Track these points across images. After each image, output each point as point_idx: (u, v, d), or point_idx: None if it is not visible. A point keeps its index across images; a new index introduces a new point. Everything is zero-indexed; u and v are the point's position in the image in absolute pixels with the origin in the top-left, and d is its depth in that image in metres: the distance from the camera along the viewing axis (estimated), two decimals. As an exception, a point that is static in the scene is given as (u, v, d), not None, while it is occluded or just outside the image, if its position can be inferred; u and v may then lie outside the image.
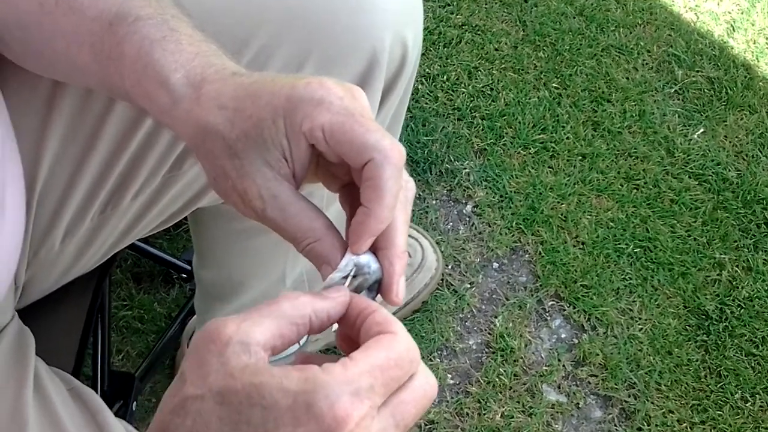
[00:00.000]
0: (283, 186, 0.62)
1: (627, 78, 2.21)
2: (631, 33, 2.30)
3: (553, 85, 2.16)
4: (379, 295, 0.63)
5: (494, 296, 1.85)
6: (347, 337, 0.59)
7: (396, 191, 0.60)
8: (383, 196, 0.59)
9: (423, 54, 2.15)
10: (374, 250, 0.62)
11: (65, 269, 1.01)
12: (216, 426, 0.50)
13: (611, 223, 1.95)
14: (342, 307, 0.58)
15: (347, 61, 0.92)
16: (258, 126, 0.61)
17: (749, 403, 1.78)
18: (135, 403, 1.36)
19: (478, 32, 2.23)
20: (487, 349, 1.79)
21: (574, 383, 1.77)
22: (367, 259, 0.62)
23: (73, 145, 0.90)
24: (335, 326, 0.59)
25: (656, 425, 1.73)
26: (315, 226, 0.62)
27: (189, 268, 1.70)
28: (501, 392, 1.73)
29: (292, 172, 0.63)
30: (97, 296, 1.09)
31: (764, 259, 1.95)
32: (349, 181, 0.66)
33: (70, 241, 0.97)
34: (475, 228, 1.93)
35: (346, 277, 0.61)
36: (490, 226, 1.93)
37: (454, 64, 2.16)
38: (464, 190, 1.97)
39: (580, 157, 2.04)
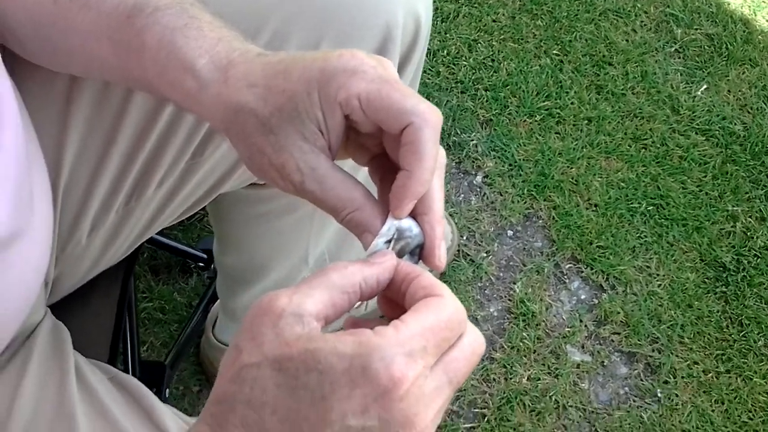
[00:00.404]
0: (320, 158, 0.62)
1: (627, 40, 2.22)
2: (627, -6, 2.31)
3: (554, 52, 2.17)
4: (420, 261, 0.64)
5: (511, 263, 1.87)
6: (390, 301, 0.60)
7: (435, 153, 0.61)
8: (424, 159, 0.60)
9: (422, 30, 2.16)
10: (413, 216, 0.63)
11: (93, 263, 1.01)
12: (273, 392, 0.51)
13: (622, 184, 1.97)
14: (390, 271, 0.59)
15: (362, 39, 0.92)
16: (292, 99, 0.62)
17: (772, 350, 1.80)
18: (167, 390, 1.38)
19: (475, 5, 2.24)
20: (508, 315, 1.80)
21: (597, 342, 1.78)
22: (409, 224, 0.62)
23: (94, 139, 0.90)
24: None
25: (682, 377, 1.75)
26: (354, 195, 0.63)
27: (205, 257, 1.71)
28: (525, 356, 1.75)
29: (327, 144, 0.63)
30: (126, 287, 1.10)
31: (776, 208, 1.97)
32: (379, 152, 0.67)
33: (97, 234, 0.97)
34: (487, 198, 1.94)
35: (389, 242, 0.62)
36: (501, 195, 1.94)
37: (453, 38, 2.16)
38: (473, 162, 1.98)
39: (586, 121, 2.05)
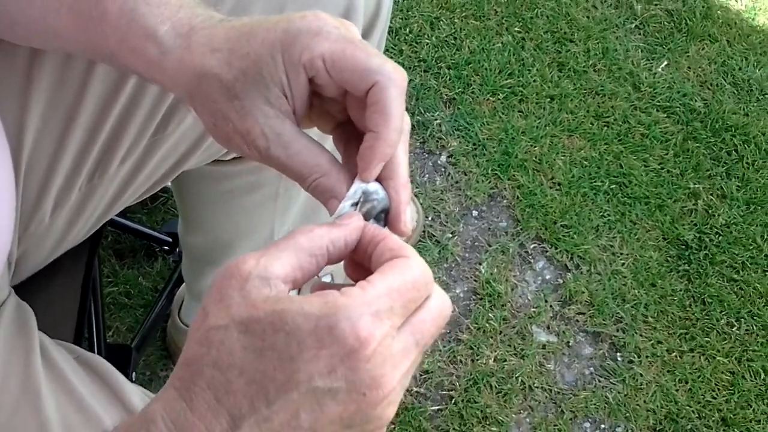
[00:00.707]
0: (285, 123, 0.62)
1: (587, 17, 2.21)
2: (587, -28, 2.31)
3: (516, 29, 2.16)
4: (386, 227, 0.63)
5: (476, 243, 1.86)
6: (357, 264, 0.59)
7: (401, 114, 0.60)
8: (390, 119, 0.59)
9: (383, 8, 2.14)
10: (378, 181, 0.62)
11: (56, 242, 0.99)
12: (240, 354, 0.50)
13: (585, 162, 1.96)
14: (357, 232, 0.58)
15: (324, 8, 0.91)
16: (256, 63, 0.60)
17: (735, 328, 1.81)
18: (134, 373, 1.36)
19: (436, -17, 2.22)
20: (474, 296, 1.79)
21: (562, 322, 1.78)
22: (375, 188, 0.62)
23: (56, 116, 0.88)
24: None
25: (646, 356, 1.75)
26: (320, 161, 0.62)
27: (170, 240, 1.69)
28: (492, 337, 1.74)
29: (292, 109, 0.62)
30: (90, 267, 1.08)
31: (737, 186, 1.98)
32: (343, 119, 0.66)
33: (60, 213, 0.95)
34: (452, 178, 1.93)
35: (355, 205, 0.61)
36: (466, 175, 1.93)
37: (415, 16, 2.15)
38: (437, 141, 1.97)
39: (549, 99, 2.05)
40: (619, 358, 1.75)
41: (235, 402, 0.50)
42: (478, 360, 1.71)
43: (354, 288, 0.52)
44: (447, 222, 1.87)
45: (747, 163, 2.01)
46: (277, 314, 0.50)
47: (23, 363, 0.85)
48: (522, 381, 1.70)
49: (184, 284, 1.56)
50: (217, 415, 0.51)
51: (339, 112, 0.66)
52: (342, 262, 0.60)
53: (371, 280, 0.53)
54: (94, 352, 1.21)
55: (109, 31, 0.66)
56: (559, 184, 1.93)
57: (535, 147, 1.97)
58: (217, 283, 0.53)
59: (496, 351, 1.73)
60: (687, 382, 1.74)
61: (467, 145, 1.96)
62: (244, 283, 0.52)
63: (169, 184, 1.42)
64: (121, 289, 1.71)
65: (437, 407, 1.67)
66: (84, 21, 0.68)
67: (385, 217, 0.63)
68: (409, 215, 0.63)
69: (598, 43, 2.16)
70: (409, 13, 2.15)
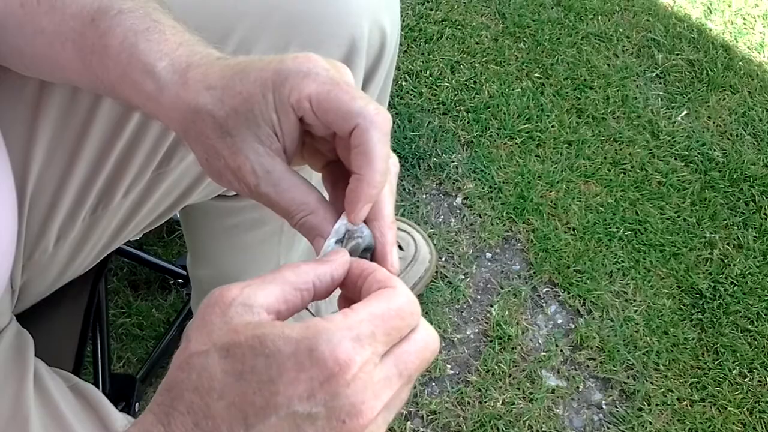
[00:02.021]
0: (275, 161, 0.63)
1: (608, 65, 2.23)
2: (609, 20, 2.32)
3: (536, 75, 2.17)
4: None
5: (489, 286, 1.86)
6: (350, 300, 0.59)
7: (385, 156, 0.61)
8: (373, 161, 0.60)
9: (405, 51, 2.17)
10: (365, 222, 0.63)
11: (60, 271, 1.01)
12: (221, 378, 0.51)
13: (601, 208, 1.97)
14: (343, 268, 0.59)
15: (327, 50, 0.92)
16: (248, 101, 0.62)
17: (747, 379, 1.79)
18: (138, 404, 1.37)
19: (458, 27, 2.25)
20: (484, 338, 1.79)
21: (572, 367, 1.78)
22: (359, 225, 0.63)
23: (62, 147, 0.90)
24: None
25: (656, 404, 1.74)
26: (308, 200, 0.63)
27: (185, 273, 1.71)
28: (501, 380, 1.74)
29: (282, 147, 0.63)
30: (93, 297, 1.09)
31: (754, 236, 1.97)
32: (333, 158, 0.67)
33: (64, 242, 0.97)
34: (466, 219, 1.94)
35: (340, 242, 0.62)
36: (480, 217, 1.94)
37: (436, 60, 2.17)
38: (453, 183, 1.98)
39: (566, 145, 2.05)
40: (628, 406, 1.74)
41: (213, 426, 0.51)
42: (486, 402, 1.71)
43: (336, 314, 0.53)
44: (460, 263, 1.88)
45: (765, 213, 2.01)
46: (258, 338, 0.51)
47: (16, 389, 0.86)
48: (530, 425, 1.70)
49: (194, 317, 1.57)
50: None
51: (329, 151, 0.67)
52: (335, 296, 0.61)
53: (354, 307, 0.53)
54: (98, 380, 1.23)
55: (110, 64, 0.68)
56: (573, 229, 1.93)
57: (551, 191, 1.97)
58: (200, 311, 0.54)
59: (504, 394, 1.72)
60: (697, 432, 1.73)
61: (483, 188, 1.97)
62: (227, 309, 0.52)
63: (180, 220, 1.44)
64: (134, 320, 1.73)
65: (443, 448, 1.67)
66: (87, 54, 0.70)
67: (371, 256, 0.64)
68: (395, 255, 0.64)
69: (617, 90, 2.17)
70: (430, 56, 2.17)
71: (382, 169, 0.61)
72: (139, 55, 0.66)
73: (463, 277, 1.86)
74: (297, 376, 0.50)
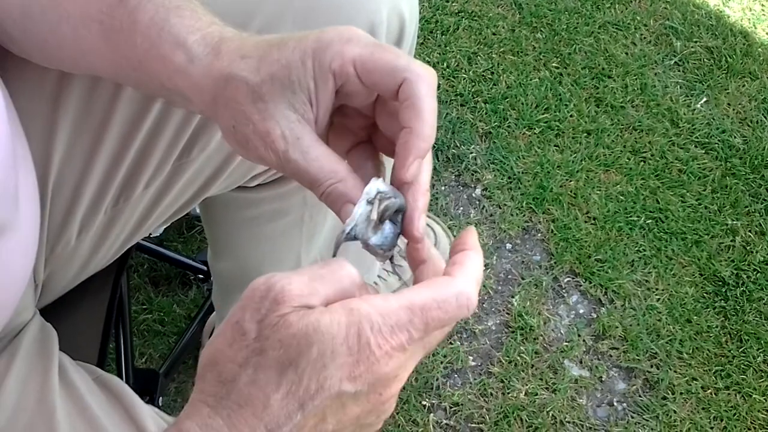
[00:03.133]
0: (306, 129, 0.63)
1: (626, 53, 2.21)
2: (626, 9, 2.31)
3: (553, 64, 2.16)
4: (401, 239, 0.64)
5: (510, 276, 1.86)
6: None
7: (434, 109, 0.61)
8: (423, 112, 0.60)
9: (422, 43, 2.16)
10: (397, 186, 0.63)
11: (83, 264, 1.01)
12: (276, 369, 0.52)
13: (621, 197, 1.96)
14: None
15: None
16: (286, 68, 0.62)
17: (772, 365, 1.79)
18: (161, 398, 1.37)
19: (475, 18, 2.24)
20: (506, 329, 1.79)
21: (595, 357, 1.77)
22: (390, 187, 0.62)
23: (82, 139, 0.90)
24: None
25: (680, 393, 1.73)
26: (337, 168, 0.63)
27: (205, 268, 1.71)
28: (523, 371, 1.73)
29: (315, 117, 0.63)
30: (116, 291, 1.10)
31: (776, 222, 1.96)
32: (362, 137, 0.68)
33: (86, 235, 0.97)
34: (486, 211, 1.93)
35: (370, 203, 0.61)
36: (500, 208, 1.94)
37: (453, 51, 2.16)
38: (472, 174, 1.98)
39: (585, 134, 2.05)
40: (652, 395, 1.73)
41: (272, 416, 0.53)
42: (509, 393, 1.70)
43: (375, 297, 0.54)
44: (480, 255, 1.87)
45: (787, 200, 2.00)
46: (312, 326, 0.52)
47: (41, 382, 0.87)
48: (553, 415, 1.69)
49: (215, 312, 1.57)
50: (254, 428, 0.53)
51: (360, 128, 0.67)
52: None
53: (400, 292, 0.55)
54: (121, 375, 1.23)
55: (138, 40, 0.68)
56: (594, 219, 1.92)
57: (570, 181, 1.97)
58: (258, 300, 0.54)
59: (527, 385, 1.72)
60: (722, 420, 1.71)
61: (502, 179, 1.97)
62: (285, 307, 0.53)
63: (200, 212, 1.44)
64: (155, 316, 1.73)
65: (466, 440, 1.67)
66: (114, 33, 0.70)
67: (402, 219, 0.63)
68: (423, 222, 0.63)
69: (636, 79, 2.16)
70: (447, 48, 2.17)
71: (431, 122, 0.61)
72: (171, 29, 0.67)
73: (484, 268, 1.86)
74: (346, 359, 0.52)
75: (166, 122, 0.92)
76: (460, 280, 0.56)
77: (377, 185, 0.61)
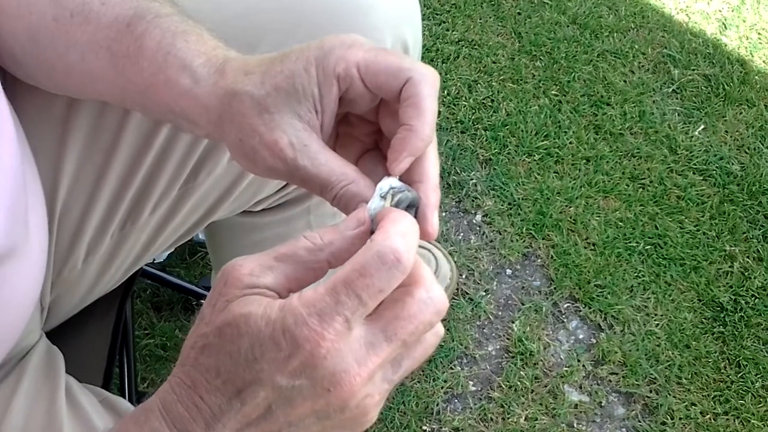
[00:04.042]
0: (312, 136, 0.63)
1: (624, 81, 2.24)
2: (625, 37, 2.34)
3: (552, 92, 2.19)
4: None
5: (510, 302, 1.87)
6: None
7: (435, 111, 0.61)
8: (423, 112, 0.61)
9: (422, 71, 2.18)
10: (409, 183, 0.63)
11: (88, 288, 1.02)
12: (215, 356, 0.54)
13: (620, 223, 1.97)
14: (360, 241, 0.57)
15: None
16: (290, 77, 0.63)
17: (771, 391, 1.79)
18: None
19: (475, 47, 2.27)
20: (506, 354, 1.80)
21: (595, 382, 1.78)
22: (403, 183, 0.62)
23: (90, 164, 0.91)
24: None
25: (680, 418, 1.74)
26: (347, 170, 0.63)
27: (207, 294, 1.71)
28: (523, 395, 1.74)
29: (320, 124, 0.64)
30: (121, 314, 1.10)
31: (774, 249, 1.97)
32: (369, 145, 0.68)
33: (92, 259, 0.98)
34: (486, 236, 1.95)
35: (383, 198, 0.61)
36: (500, 234, 1.95)
37: (453, 79, 2.19)
38: (473, 201, 1.99)
39: (585, 161, 2.06)
40: (651, 420, 1.74)
41: (214, 399, 0.54)
42: (509, 418, 1.71)
43: (309, 290, 0.53)
44: (481, 280, 1.88)
45: (784, 226, 2.01)
46: (243, 317, 0.53)
47: (48, 403, 0.87)
48: (553, 440, 1.70)
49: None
50: (201, 410, 0.54)
51: (366, 135, 0.68)
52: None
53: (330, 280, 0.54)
54: (125, 398, 1.23)
55: (145, 64, 0.69)
56: (593, 244, 1.94)
57: (570, 207, 1.98)
58: (215, 285, 0.56)
59: (527, 410, 1.72)
60: (721, 446, 1.72)
61: (502, 205, 1.98)
62: (232, 288, 0.54)
63: (205, 237, 1.45)
64: (157, 341, 1.74)
65: (467, 464, 1.67)
66: (120, 59, 0.72)
67: (416, 215, 0.62)
68: (436, 218, 0.63)
69: (634, 106, 2.18)
70: (447, 76, 2.19)
71: (431, 123, 0.61)
72: (177, 53, 0.68)
73: (484, 293, 1.87)
74: (276, 355, 0.52)
75: (173, 147, 0.93)
76: (377, 239, 0.53)
77: (389, 181, 0.61)
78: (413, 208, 0.62)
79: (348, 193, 0.62)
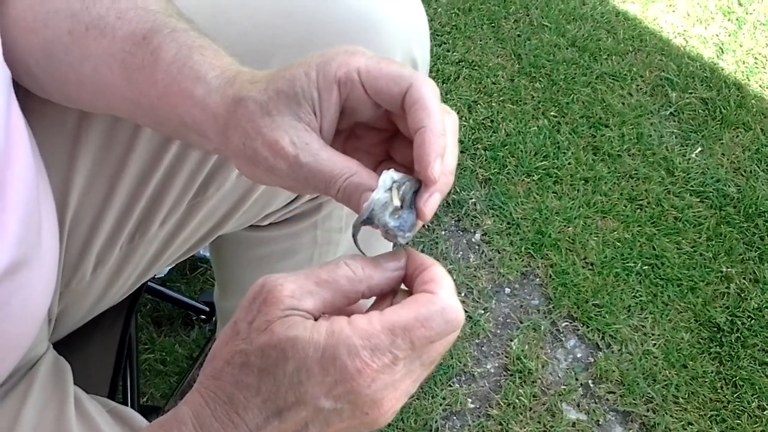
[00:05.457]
0: (313, 136, 0.64)
1: (623, 103, 2.26)
2: (623, 60, 2.36)
3: (552, 113, 2.20)
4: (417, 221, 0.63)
5: (508, 320, 1.88)
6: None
7: (441, 113, 0.62)
8: (435, 113, 0.61)
9: (422, 91, 2.20)
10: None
11: (96, 300, 1.02)
12: (256, 375, 0.56)
13: (618, 243, 1.99)
14: (396, 282, 0.61)
15: None
16: (290, 81, 0.64)
17: (767, 411, 1.80)
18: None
19: (475, 68, 2.29)
20: (505, 372, 1.81)
21: (592, 401, 1.79)
22: (403, 174, 0.63)
23: (101, 177, 0.92)
24: None
25: (677, 437, 1.75)
26: (350, 164, 0.63)
27: (207, 309, 1.73)
28: (522, 413, 1.75)
29: (320, 126, 0.65)
30: (128, 326, 1.11)
31: (770, 270, 1.99)
32: (381, 158, 0.69)
33: (101, 271, 0.98)
34: (485, 255, 1.96)
35: (389, 191, 0.61)
36: (499, 253, 1.96)
37: (453, 99, 2.20)
38: (472, 220, 2.01)
39: (583, 181, 2.08)
40: (649, 439, 1.75)
41: (252, 417, 0.56)
42: (507, 436, 1.72)
43: (362, 318, 0.56)
44: (480, 299, 1.89)
45: (780, 248, 2.03)
46: (290, 341, 0.55)
47: (57, 413, 0.87)
48: (551, 458, 1.71)
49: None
50: (237, 426, 0.56)
51: (375, 145, 0.69)
52: None
53: (384, 312, 0.56)
54: (129, 410, 1.24)
55: (159, 76, 0.70)
56: (591, 264, 1.95)
57: (568, 227, 2.00)
58: (252, 300, 0.57)
59: (525, 427, 1.73)
60: (718, 465, 1.73)
61: (501, 224, 2.00)
62: (274, 310, 0.56)
63: (209, 253, 1.46)
64: (157, 356, 1.74)
65: (465, 481, 1.68)
66: (134, 71, 0.72)
67: (416, 197, 0.63)
68: (438, 165, 0.62)
69: (632, 128, 2.20)
70: (448, 96, 2.21)
71: (442, 122, 0.62)
72: (192, 65, 0.69)
73: (483, 311, 1.88)
74: (323, 379, 0.55)
75: (183, 161, 0.93)
76: (442, 294, 0.57)
77: (390, 174, 0.62)
78: (415, 193, 0.63)
79: (351, 184, 0.63)
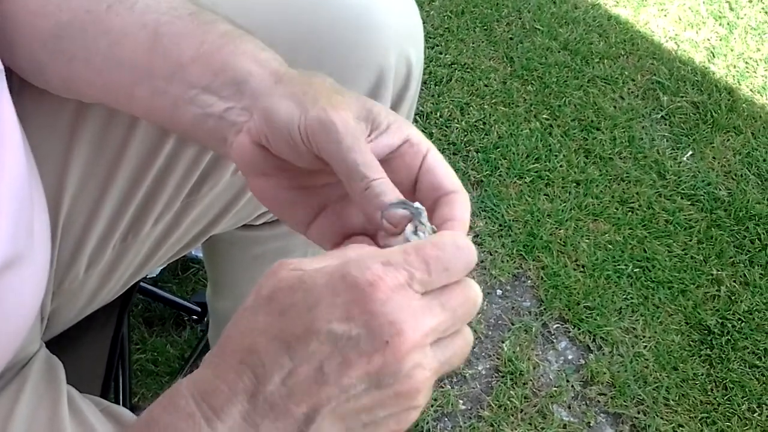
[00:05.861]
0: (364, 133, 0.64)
1: (614, 106, 2.26)
2: (615, 64, 2.37)
3: (544, 116, 2.21)
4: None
5: (500, 322, 1.88)
6: None
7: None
8: (447, 175, 0.62)
9: (415, 93, 2.21)
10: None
11: (89, 299, 1.02)
12: (263, 319, 0.52)
13: (609, 246, 1.99)
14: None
15: (355, 80, 0.94)
16: (371, 104, 0.65)
17: (756, 414, 1.81)
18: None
19: (468, 70, 2.29)
20: (496, 374, 1.81)
21: (583, 403, 1.79)
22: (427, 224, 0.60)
23: (94, 177, 0.91)
24: None
25: (667, 439, 1.75)
26: (382, 168, 0.62)
27: (199, 309, 1.73)
28: (513, 415, 1.75)
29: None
30: (120, 325, 1.11)
31: (761, 274, 1.99)
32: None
33: (94, 270, 0.98)
34: (477, 257, 1.96)
35: (414, 228, 0.59)
36: (491, 255, 1.97)
37: (446, 102, 2.21)
38: (464, 222, 2.00)
39: (575, 184, 2.09)
40: (639, 441, 1.76)
41: (258, 359, 0.51)
42: (498, 437, 1.72)
43: (370, 246, 0.55)
44: (471, 300, 1.89)
45: (771, 251, 2.04)
46: (297, 277, 0.52)
47: (51, 412, 0.87)
48: (542, 460, 1.71)
49: (209, 352, 1.59)
50: (241, 374, 0.52)
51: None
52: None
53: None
54: (121, 409, 1.24)
55: (210, 38, 0.71)
56: (583, 266, 1.96)
57: (560, 230, 2.00)
58: (262, 282, 0.54)
59: (516, 429, 1.73)
60: (708, 467, 1.74)
61: (493, 226, 2.00)
62: (282, 271, 0.53)
63: (201, 253, 1.46)
64: (148, 356, 1.74)
65: (456, 483, 1.68)
66: (166, 36, 0.72)
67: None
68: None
69: (624, 131, 2.21)
70: (440, 98, 2.21)
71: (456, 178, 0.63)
72: (251, 39, 0.70)
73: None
74: (333, 300, 0.50)
75: (177, 160, 0.93)
76: (456, 233, 0.57)
77: (414, 224, 0.59)
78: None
79: (378, 187, 0.60)
